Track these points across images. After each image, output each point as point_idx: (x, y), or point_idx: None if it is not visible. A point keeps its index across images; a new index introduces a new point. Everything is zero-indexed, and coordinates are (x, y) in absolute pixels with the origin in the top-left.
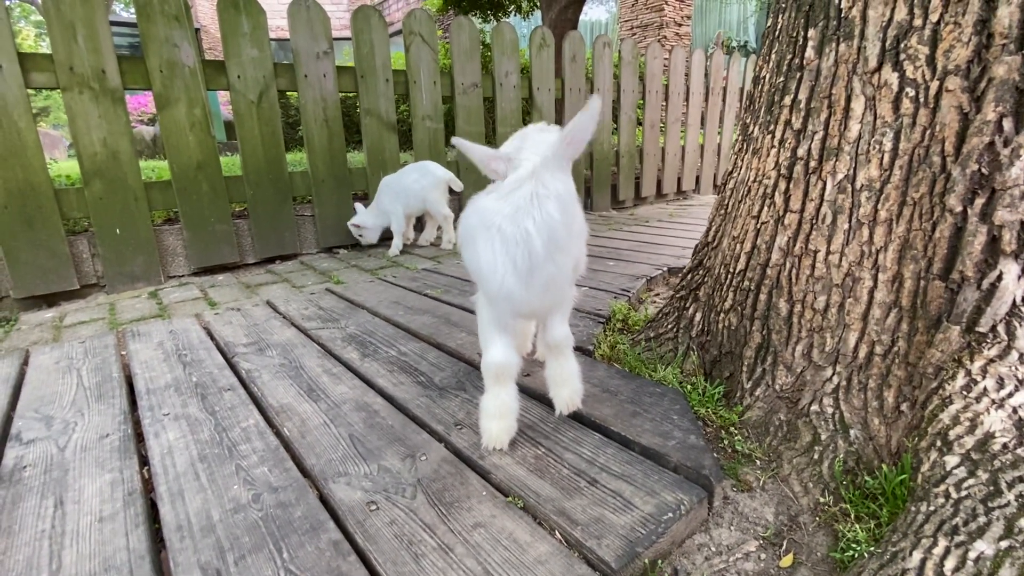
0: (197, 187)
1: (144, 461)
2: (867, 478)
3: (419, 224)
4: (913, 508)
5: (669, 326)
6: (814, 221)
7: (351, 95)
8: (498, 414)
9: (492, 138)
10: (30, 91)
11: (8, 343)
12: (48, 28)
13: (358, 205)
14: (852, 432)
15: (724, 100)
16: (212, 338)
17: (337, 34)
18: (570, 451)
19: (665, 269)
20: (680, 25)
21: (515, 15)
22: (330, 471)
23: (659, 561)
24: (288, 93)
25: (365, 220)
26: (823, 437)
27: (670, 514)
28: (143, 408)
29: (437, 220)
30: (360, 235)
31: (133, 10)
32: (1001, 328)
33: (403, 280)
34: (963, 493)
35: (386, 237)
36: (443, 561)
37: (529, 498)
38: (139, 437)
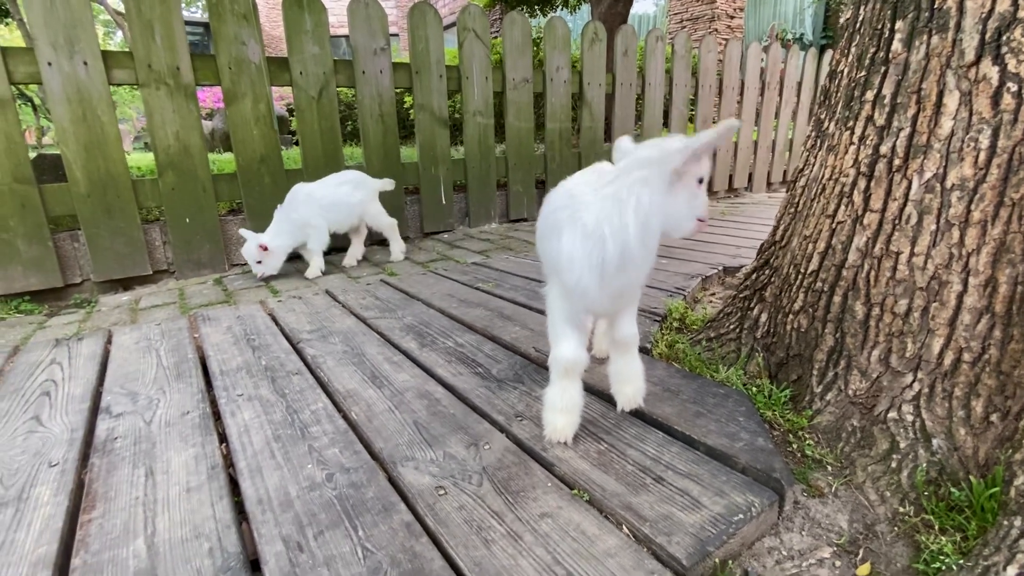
0: (260, 179)
1: (222, 438)
2: (952, 489)
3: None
4: (1006, 522)
5: (732, 326)
6: (897, 221)
7: (402, 91)
8: (564, 408)
9: (539, 133)
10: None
11: (91, 323)
12: (129, 27)
13: (246, 232)
14: (935, 441)
15: (780, 95)
16: (277, 324)
17: None
18: (633, 448)
19: (720, 268)
20: (732, 17)
21: (562, 9)
22: (398, 455)
23: (729, 562)
24: (339, 89)
25: (273, 241)
26: (902, 445)
27: (740, 515)
28: (218, 388)
29: (383, 231)
30: (259, 261)
31: (194, 9)
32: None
33: (454, 273)
34: None
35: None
36: (513, 548)
37: (595, 492)
38: (216, 415)
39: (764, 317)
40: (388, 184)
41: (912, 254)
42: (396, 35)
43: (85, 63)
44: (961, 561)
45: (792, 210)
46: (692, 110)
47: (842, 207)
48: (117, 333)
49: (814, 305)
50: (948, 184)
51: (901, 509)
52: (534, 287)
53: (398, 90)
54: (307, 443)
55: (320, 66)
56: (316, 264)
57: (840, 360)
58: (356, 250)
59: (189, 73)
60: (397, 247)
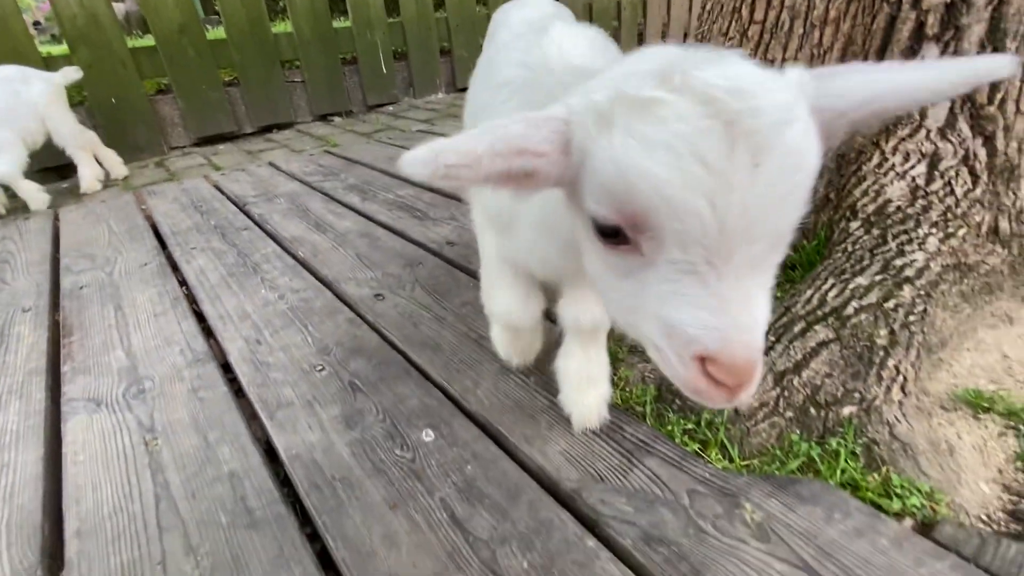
0: (183, 52)
1: (181, 282)
2: (791, 254)
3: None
4: (820, 266)
5: None
6: (774, 30)
7: None
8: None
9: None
10: None
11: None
12: None
13: None
14: None
15: None
16: (223, 192)
17: None
18: None
19: None
20: None
21: None
22: (342, 277)
23: None
24: None
25: None
26: None
27: None
28: (171, 245)
29: (68, 149)
30: None
31: None
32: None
33: (398, 140)
34: (856, 247)
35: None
36: (437, 325)
37: None
38: (172, 267)
39: None
40: (72, 73)
41: (783, 60)
42: None
43: None
44: (779, 294)
45: (697, 36)
46: None
47: (733, 24)
48: (63, 211)
49: None
50: None
51: None
52: None
53: None
54: (259, 276)
55: None
56: (27, 190)
57: None
58: (90, 169)
59: None
60: (88, 172)
